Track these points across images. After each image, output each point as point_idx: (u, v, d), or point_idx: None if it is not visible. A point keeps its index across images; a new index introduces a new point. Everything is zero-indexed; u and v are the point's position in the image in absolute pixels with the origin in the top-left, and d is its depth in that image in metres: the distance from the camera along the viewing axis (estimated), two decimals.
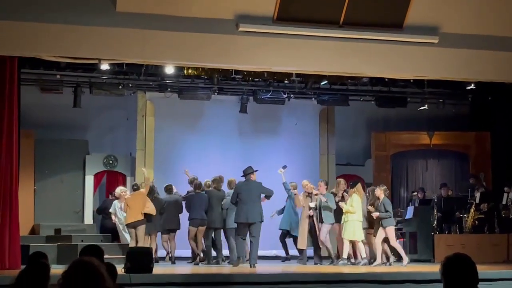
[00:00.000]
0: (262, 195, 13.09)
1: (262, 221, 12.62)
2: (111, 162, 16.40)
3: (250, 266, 12.29)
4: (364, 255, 13.12)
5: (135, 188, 13.73)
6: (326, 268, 12.69)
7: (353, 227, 13.04)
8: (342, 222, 13.28)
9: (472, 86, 15.57)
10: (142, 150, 16.18)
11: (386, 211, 12.89)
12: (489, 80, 12.84)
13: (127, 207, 13.20)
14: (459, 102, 17.63)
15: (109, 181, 16.47)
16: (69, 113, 15.90)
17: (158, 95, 16.32)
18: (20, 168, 11.67)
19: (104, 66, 13.36)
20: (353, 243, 13.27)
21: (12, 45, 10.11)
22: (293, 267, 12.93)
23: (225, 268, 12.73)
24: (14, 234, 10.92)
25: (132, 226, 13.13)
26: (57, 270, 3.81)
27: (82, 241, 13.11)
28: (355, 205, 13.10)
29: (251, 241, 12.55)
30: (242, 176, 13.06)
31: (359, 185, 13.45)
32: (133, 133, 16.43)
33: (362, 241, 13.25)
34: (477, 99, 17.39)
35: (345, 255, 13.20)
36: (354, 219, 13.05)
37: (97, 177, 16.34)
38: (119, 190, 14.06)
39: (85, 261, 3.13)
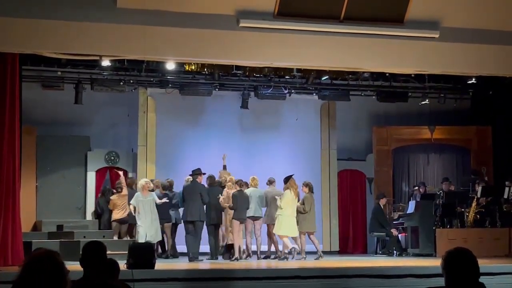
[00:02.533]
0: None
1: (203, 221, 13.30)
2: (112, 158, 16.41)
3: (192, 260, 12.92)
4: (286, 250, 13.44)
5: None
6: (328, 263, 12.71)
7: (279, 222, 13.37)
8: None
9: (473, 80, 15.58)
10: (144, 146, 16.20)
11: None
12: (490, 74, 12.84)
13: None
14: (460, 96, 17.62)
15: (111, 177, 16.50)
16: (70, 110, 15.93)
17: (159, 91, 16.34)
18: (22, 165, 11.68)
19: (105, 63, 13.38)
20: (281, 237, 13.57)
21: (12, 41, 10.10)
22: (295, 263, 12.96)
23: (227, 264, 12.77)
24: (17, 231, 10.93)
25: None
26: None
27: (84, 237, 13.11)
28: (284, 200, 13.33)
29: (194, 237, 13.17)
30: (190, 175, 13.77)
31: (291, 180, 13.55)
32: (134, 129, 16.44)
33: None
34: (478, 93, 17.37)
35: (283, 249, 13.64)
36: (282, 214, 13.34)
37: (99, 173, 16.36)
38: (143, 181, 13.67)
39: (47, 250, 3.11)
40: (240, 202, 13.56)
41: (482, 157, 17.69)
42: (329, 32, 10.90)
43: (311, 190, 13.92)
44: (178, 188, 14.62)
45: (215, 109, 16.85)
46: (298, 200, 13.78)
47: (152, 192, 13.55)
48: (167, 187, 14.47)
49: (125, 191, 14.64)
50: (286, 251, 13.48)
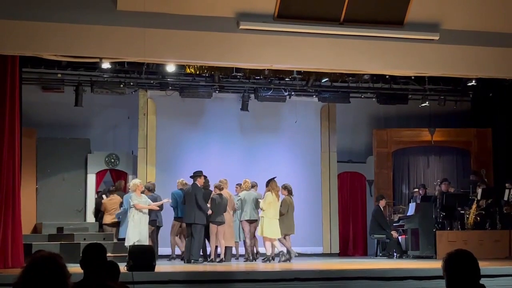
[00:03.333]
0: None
1: (199, 224, 13.20)
2: (113, 160, 16.40)
3: (191, 262, 13.00)
4: (269, 253, 13.62)
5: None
6: (328, 265, 12.71)
7: (262, 224, 13.49)
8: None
9: (473, 83, 15.56)
10: (144, 148, 16.20)
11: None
12: (490, 76, 12.85)
13: None
14: (460, 98, 17.65)
15: (111, 179, 16.53)
16: (70, 112, 15.93)
17: (160, 93, 16.35)
18: (22, 167, 11.68)
19: (105, 65, 13.36)
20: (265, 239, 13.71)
21: (13, 44, 10.11)
22: (294, 265, 12.95)
23: (227, 266, 12.76)
24: (17, 233, 10.92)
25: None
26: None
27: (84, 239, 13.12)
28: (266, 202, 13.44)
29: (193, 239, 13.24)
30: (190, 177, 13.79)
31: (272, 183, 13.63)
32: (134, 131, 16.44)
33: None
34: (478, 95, 17.39)
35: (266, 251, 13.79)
36: (265, 216, 13.44)
37: (100, 175, 16.36)
38: (137, 182, 13.45)
39: (50, 253, 3.10)
40: (218, 205, 13.59)
41: (482, 159, 17.69)
42: (329, 34, 10.91)
43: (290, 193, 13.96)
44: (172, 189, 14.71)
45: (215, 111, 16.85)
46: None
47: (143, 194, 13.46)
48: (152, 189, 14.43)
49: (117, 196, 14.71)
50: (276, 253, 13.59)
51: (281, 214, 13.63)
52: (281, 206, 13.68)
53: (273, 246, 13.61)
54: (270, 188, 13.56)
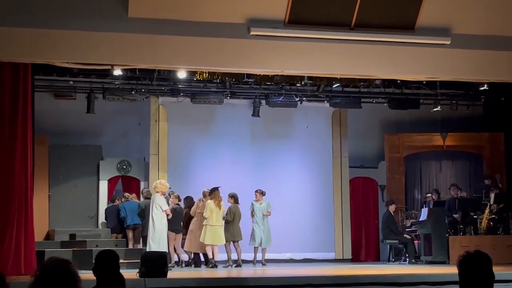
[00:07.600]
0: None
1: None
2: (124, 167, 16.46)
3: None
4: (210, 258, 13.87)
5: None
6: (340, 270, 12.67)
7: (204, 231, 13.81)
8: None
9: (485, 87, 15.53)
10: (156, 155, 16.23)
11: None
12: (502, 81, 12.77)
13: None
14: (472, 103, 17.57)
15: (123, 186, 16.57)
16: (82, 119, 16.00)
17: (171, 99, 16.39)
18: (34, 174, 11.73)
19: (117, 72, 13.43)
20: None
21: (25, 51, 10.15)
22: (307, 270, 12.92)
23: (239, 272, 12.75)
24: (29, 240, 10.96)
25: None
26: None
27: (97, 246, 13.15)
28: (207, 210, 13.77)
29: None
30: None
31: (216, 192, 13.97)
32: (146, 138, 16.48)
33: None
34: (490, 99, 17.32)
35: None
36: (207, 224, 13.77)
37: (111, 182, 16.41)
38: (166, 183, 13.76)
39: (60, 259, 3.11)
40: (175, 214, 13.87)
41: (494, 164, 17.61)
42: (340, 40, 10.88)
43: (236, 201, 14.38)
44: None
45: (226, 117, 16.86)
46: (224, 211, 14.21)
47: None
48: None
49: None
50: (214, 260, 13.84)
51: (227, 222, 14.12)
52: (226, 214, 14.16)
53: (214, 252, 13.86)
54: (212, 196, 13.90)
